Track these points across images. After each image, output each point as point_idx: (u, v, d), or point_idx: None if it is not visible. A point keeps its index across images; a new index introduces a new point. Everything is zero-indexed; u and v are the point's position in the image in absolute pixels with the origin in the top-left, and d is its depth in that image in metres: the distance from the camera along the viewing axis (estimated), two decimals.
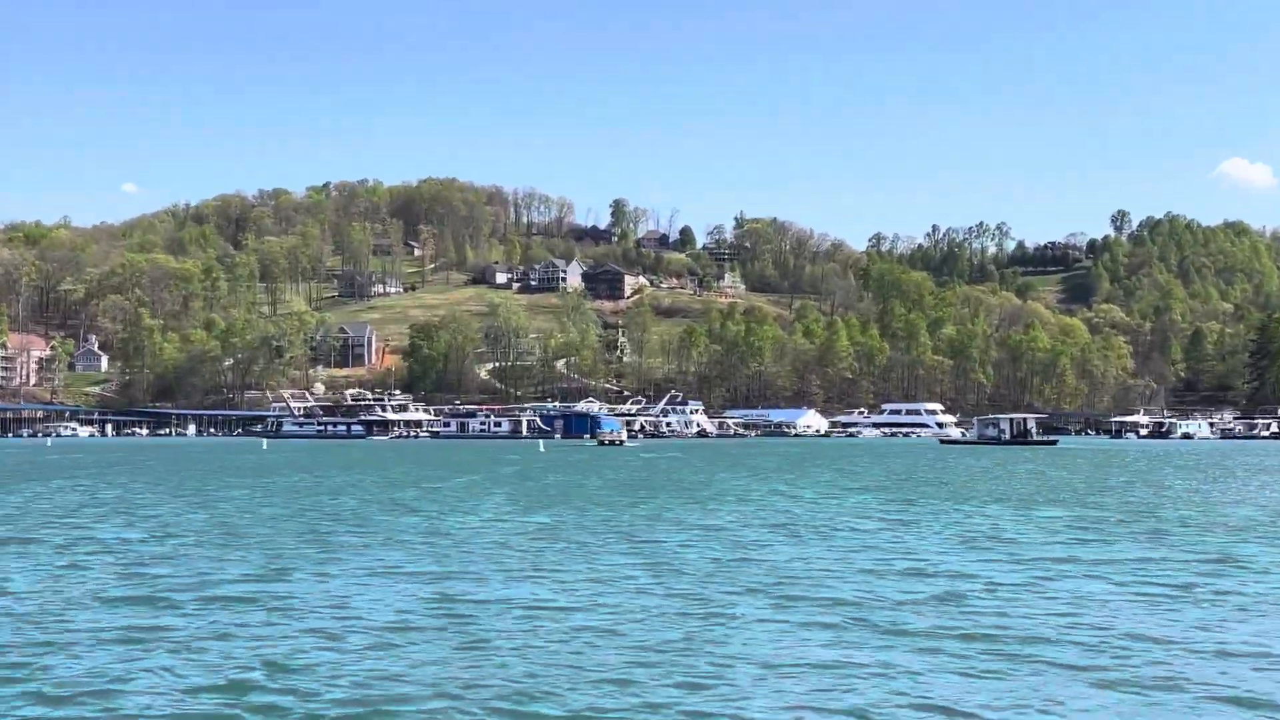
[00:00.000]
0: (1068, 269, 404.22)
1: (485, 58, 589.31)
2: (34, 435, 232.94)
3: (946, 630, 17.15)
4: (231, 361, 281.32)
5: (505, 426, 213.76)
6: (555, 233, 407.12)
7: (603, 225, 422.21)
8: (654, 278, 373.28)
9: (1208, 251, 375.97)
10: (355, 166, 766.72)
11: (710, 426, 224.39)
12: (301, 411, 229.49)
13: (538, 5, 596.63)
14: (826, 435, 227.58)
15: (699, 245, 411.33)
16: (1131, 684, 14.04)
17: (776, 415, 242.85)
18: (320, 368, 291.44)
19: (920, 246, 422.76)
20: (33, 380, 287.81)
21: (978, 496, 47.28)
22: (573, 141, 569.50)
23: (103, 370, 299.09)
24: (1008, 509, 40.37)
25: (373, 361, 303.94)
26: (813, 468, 78.82)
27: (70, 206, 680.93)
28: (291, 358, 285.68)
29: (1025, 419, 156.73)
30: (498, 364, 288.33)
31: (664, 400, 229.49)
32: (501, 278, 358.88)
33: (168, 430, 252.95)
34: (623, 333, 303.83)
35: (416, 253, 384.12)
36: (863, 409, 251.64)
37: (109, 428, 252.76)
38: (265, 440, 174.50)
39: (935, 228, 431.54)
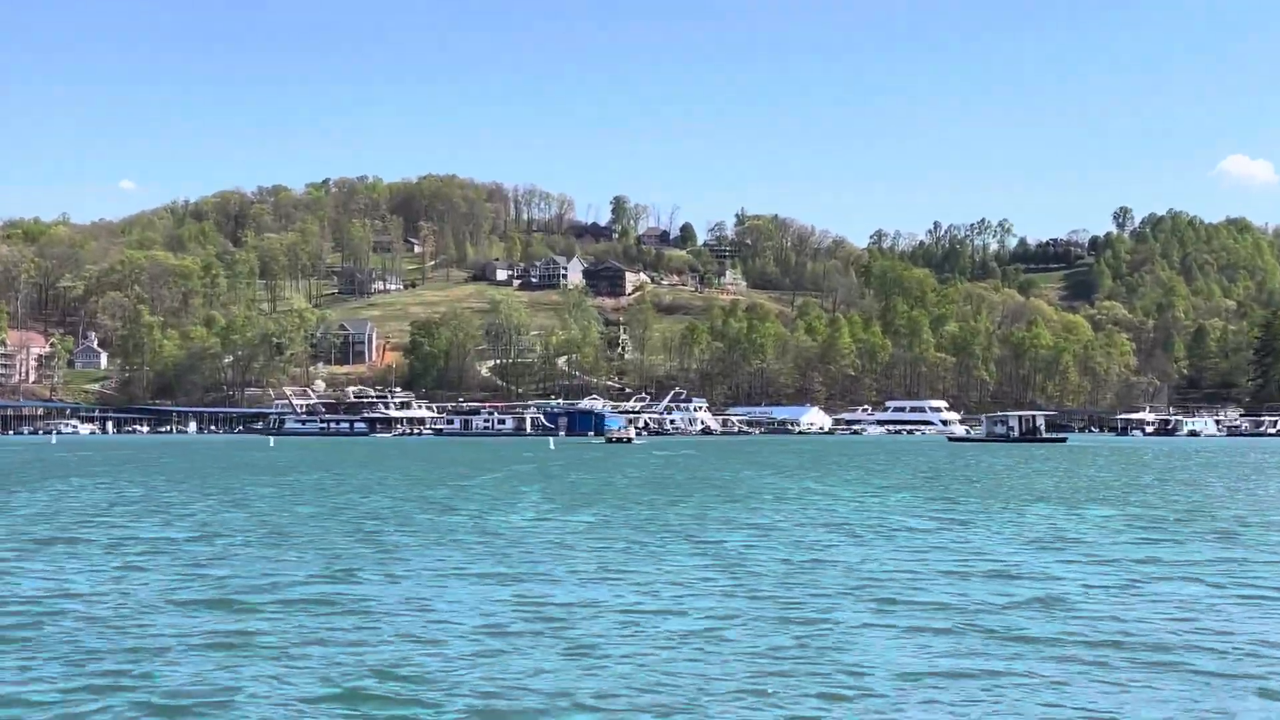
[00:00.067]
0: (1069, 266, 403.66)
1: (485, 54, 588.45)
2: (35, 433, 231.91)
3: (1069, 636, 16.52)
4: (231, 359, 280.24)
5: (509, 424, 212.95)
6: (556, 229, 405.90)
7: (603, 222, 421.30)
8: (655, 275, 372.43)
9: (1210, 248, 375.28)
10: (354, 163, 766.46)
11: (714, 424, 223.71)
12: (304, 409, 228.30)
13: (538, 1, 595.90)
14: (830, 433, 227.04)
15: (700, 242, 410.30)
16: None
17: (780, 413, 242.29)
18: (321, 365, 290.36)
19: (922, 243, 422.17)
20: (32, 377, 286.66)
21: (1017, 495, 46.65)
22: (573, 138, 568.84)
23: (102, 367, 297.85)
24: (1056, 508, 39.74)
25: (373, 359, 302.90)
26: (834, 465, 78.24)
27: (68, 203, 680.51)
28: (292, 355, 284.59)
29: (1034, 416, 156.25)
30: (499, 361, 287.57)
31: (668, 397, 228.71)
32: (502, 275, 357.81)
33: (168, 428, 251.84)
34: (624, 330, 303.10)
35: (416, 249, 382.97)
36: (866, 406, 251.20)
37: (110, 425, 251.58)
38: (272, 438, 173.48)
39: (937, 224, 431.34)
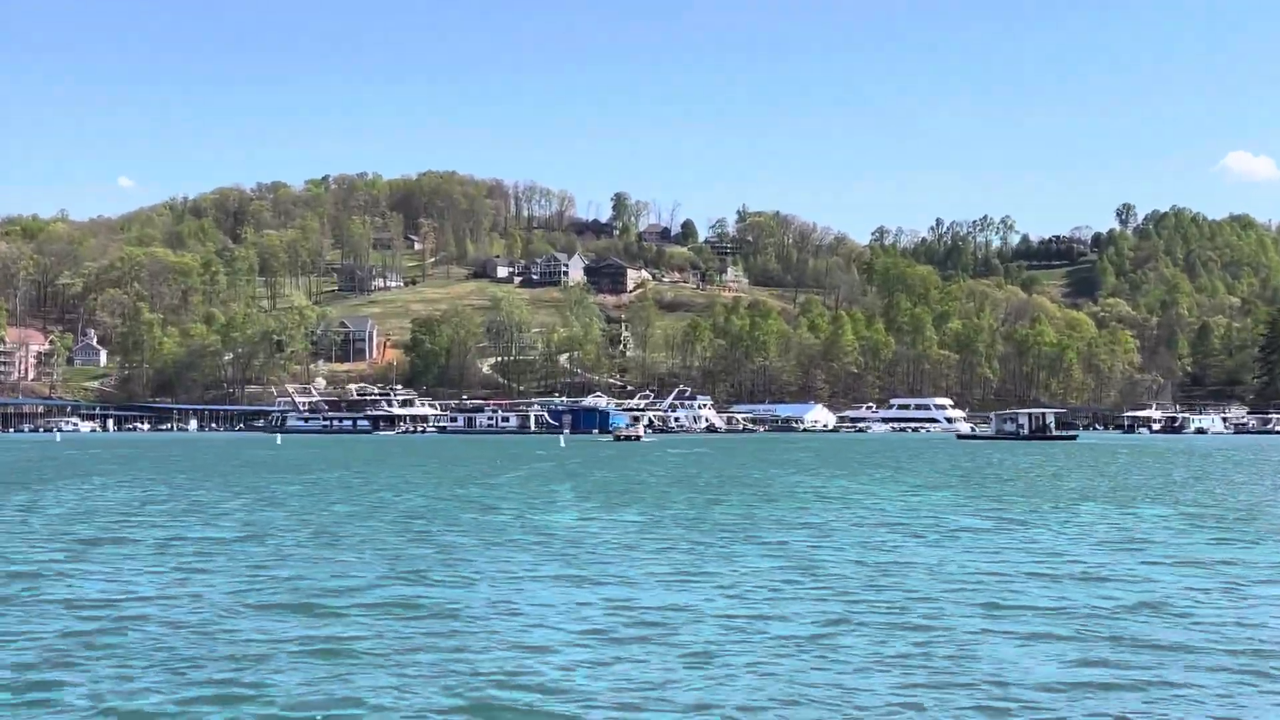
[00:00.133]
0: (1072, 263, 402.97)
1: (485, 50, 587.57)
2: (35, 430, 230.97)
3: (1206, 644, 15.82)
4: (231, 356, 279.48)
5: (513, 422, 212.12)
6: (556, 226, 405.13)
7: (604, 219, 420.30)
8: (656, 271, 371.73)
9: (1214, 245, 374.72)
10: (354, 159, 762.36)
11: (719, 422, 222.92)
12: (306, 406, 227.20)
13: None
14: (835, 430, 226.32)
15: (701, 239, 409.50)
16: None
17: (784, 410, 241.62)
18: (321, 362, 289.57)
19: (924, 240, 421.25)
20: (31, 375, 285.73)
21: (1060, 494, 45.98)
22: (573, 134, 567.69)
23: (101, 365, 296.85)
24: (1106, 507, 39.08)
25: (374, 356, 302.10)
26: (856, 464, 77.58)
27: (67, 200, 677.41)
28: (292, 352, 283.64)
29: (1044, 414, 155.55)
30: (500, 359, 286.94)
31: (672, 395, 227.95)
32: (503, 271, 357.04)
33: (169, 425, 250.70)
34: (626, 327, 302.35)
35: (417, 246, 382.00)
36: (870, 404, 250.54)
37: (110, 423, 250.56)
38: (279, 435, 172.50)
39: (939, 221, 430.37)
